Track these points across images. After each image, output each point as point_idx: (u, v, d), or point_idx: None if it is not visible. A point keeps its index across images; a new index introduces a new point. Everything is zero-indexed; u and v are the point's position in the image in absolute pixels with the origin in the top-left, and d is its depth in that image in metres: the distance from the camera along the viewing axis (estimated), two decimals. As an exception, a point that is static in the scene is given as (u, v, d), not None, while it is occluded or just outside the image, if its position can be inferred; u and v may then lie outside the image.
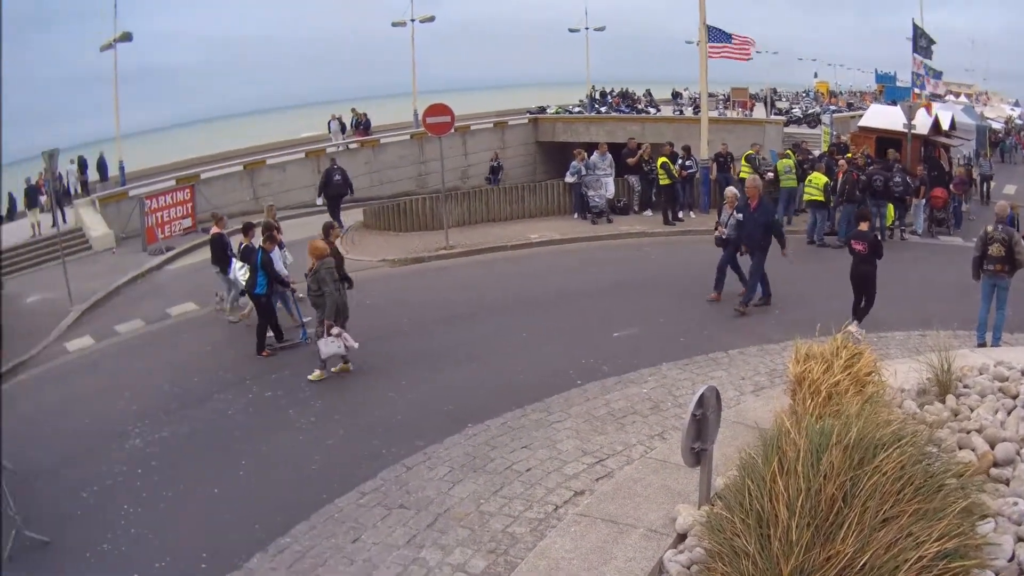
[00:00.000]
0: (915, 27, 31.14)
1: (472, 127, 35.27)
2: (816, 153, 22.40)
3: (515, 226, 20.10)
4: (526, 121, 38.90)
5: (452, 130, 20.02)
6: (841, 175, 17.52)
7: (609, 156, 20.42)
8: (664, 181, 19.62)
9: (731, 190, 13.58)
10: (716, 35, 21.23)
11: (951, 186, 19.81)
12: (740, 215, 12.62)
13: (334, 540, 6.65)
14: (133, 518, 7.47)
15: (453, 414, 9.05)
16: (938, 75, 32.03)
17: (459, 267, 16.95)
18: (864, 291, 11.27)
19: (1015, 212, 13.68)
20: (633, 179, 20.94)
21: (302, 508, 7.20)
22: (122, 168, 27.69)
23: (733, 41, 21.33)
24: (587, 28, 44.91)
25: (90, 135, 36.20)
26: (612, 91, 51.98)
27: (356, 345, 10.67)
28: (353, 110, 36.33)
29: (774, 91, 52.49)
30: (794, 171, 19.02)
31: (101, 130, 32.56)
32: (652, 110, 45.93)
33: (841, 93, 61.68)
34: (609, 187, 20.13)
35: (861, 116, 28.52)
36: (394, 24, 37.87)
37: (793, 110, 45.28)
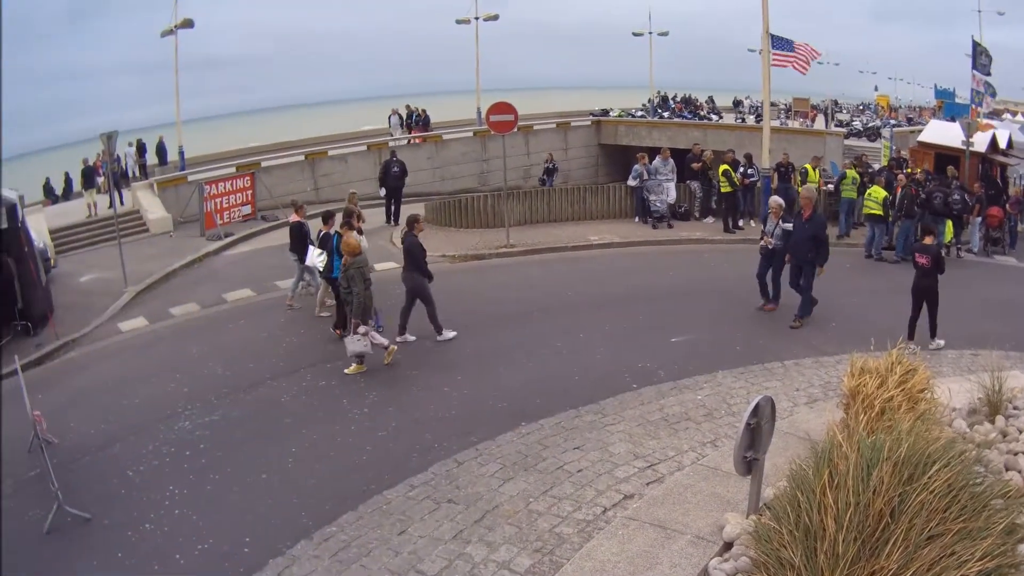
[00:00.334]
0: (975, 44, 30.55)
1: (535, 127, 35.13)
2: (876, 167, 22.16)
3: (575, 227, 19.85)
4: (589, 123, 38.64)
5: (515, 129, 19.93)
6: (900, 190, 17.41)
7: (671, 161, 20.24)
8: (725, 188, 19.39)
9: (775, 199, 13.25)
10: (779, 43, 20.73)
11: (1007, 205, 19.43)
12: (790, 224, 12.40)
13: (380, 531, 6.57)
14: (178, 499, 7.42)
15: (507, 411, 8.96)
16: (993, 93, 31.23)
17: (518, 266, 16.78)
18: (927, 304, 11.04)
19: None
20: (695, 185, 20.70)
21: (350, 498, 7.13)
22: (182, 153, 27.92)
23: (795, 50, 20.77)
24: (651, 32, 44.54)
25: (152, 120, 36.75)
26: (675, 96, 51.52)
27: (386, 342, 10.75)
28: (408, 106, 36.47)
29: (835, 103, 51.40)
30: (857, 183, 18.76)
31: (162, 116, 33.07)
32: (714, 117, 45.55)
33: (900, 107, 60.26)
34: (671, 192, 19.88)
35: (920, 131, 27.92)
36: (458, 21, 38.06)
37: (853, 123, 44.39)
